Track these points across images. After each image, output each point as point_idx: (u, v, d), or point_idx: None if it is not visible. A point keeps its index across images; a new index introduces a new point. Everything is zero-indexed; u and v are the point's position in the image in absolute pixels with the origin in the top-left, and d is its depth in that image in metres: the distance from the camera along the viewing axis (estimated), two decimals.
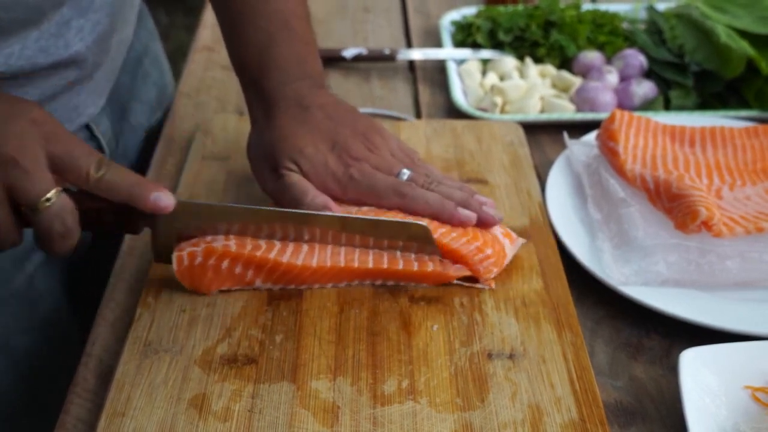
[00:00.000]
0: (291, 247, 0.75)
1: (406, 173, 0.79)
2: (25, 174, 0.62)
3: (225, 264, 0.74)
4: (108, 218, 0.69)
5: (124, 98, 1.00)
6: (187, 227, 0.74)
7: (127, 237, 0.86)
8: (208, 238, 0.74)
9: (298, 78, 0.82)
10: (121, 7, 0.91)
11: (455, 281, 0.77)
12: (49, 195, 0.64)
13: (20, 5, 0.74)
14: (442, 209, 0.77)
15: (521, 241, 0.80)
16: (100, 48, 0.86)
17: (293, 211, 0.75)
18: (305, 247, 0.76)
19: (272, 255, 0.74)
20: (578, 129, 1.01)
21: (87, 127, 0.92)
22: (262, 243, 0.75)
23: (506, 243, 0.79)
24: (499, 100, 1.06)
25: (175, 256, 0.73)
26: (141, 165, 1.01)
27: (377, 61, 1.19)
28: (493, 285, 0.77)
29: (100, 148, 0.94)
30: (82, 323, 0.78)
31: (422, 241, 0.76)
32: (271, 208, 0.75)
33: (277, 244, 0.75)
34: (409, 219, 0.76)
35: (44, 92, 0.82)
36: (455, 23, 1.26)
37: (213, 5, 0.88)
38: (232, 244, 0.74)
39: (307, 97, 0.80)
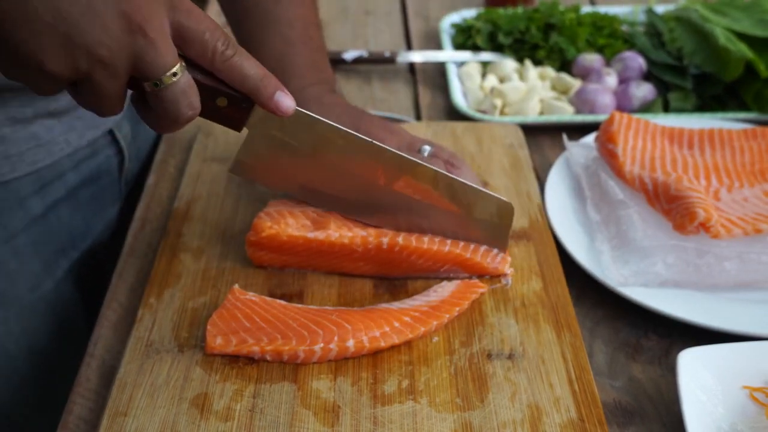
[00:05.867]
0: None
1: (427, 149, 0.81)
2: (152, 45, 0.56)
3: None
4: (220, 103, 0.65)
5: None
6: (282, 146, 0.71)
7: (129, 237, 0.86)
8: (242, 337, 0.70)
9: (314, 83, 0.84)
10: None
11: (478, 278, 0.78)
12: (175, 69, 0.58)
13: None
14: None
15: None
16: None
17: (400, 154, 0.75)
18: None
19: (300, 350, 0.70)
20: (577, 131, 1.02)
21: (110, 131, 0.93)
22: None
23: None
24: (498, 102, 1.07)
25: (208, 337, 0.70)
26: (150, 166, 1.02)
27: (378, 63, 1.20)
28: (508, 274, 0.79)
29: (120, 152, 0.96)
30: (91, 327, 0.78)
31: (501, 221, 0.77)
32: (372, 142, 0.74)
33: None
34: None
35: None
36: (455, 26, 1.26)
37: (227, 10, 0.89)
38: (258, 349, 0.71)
39: (325, 97, 0.83)
